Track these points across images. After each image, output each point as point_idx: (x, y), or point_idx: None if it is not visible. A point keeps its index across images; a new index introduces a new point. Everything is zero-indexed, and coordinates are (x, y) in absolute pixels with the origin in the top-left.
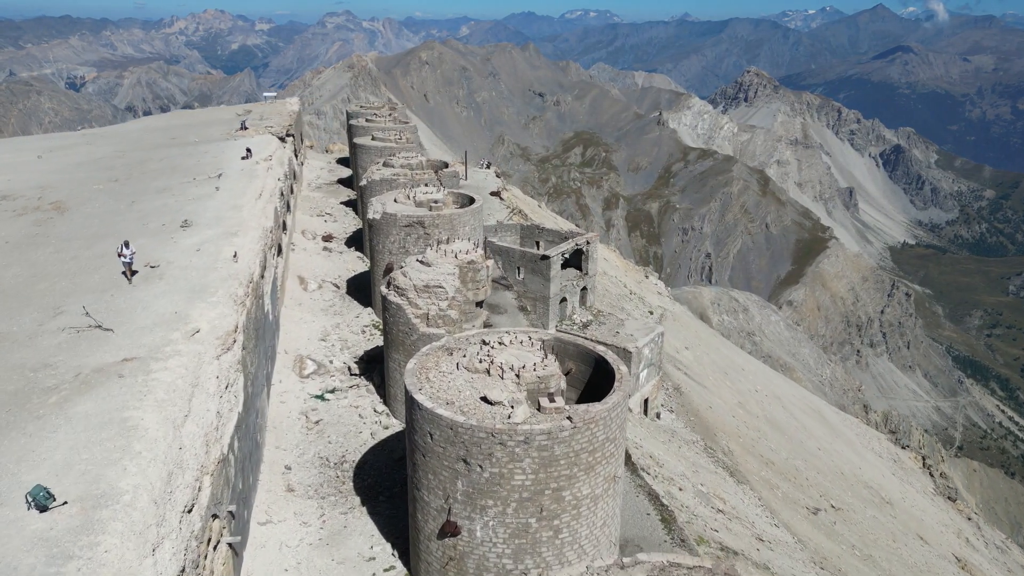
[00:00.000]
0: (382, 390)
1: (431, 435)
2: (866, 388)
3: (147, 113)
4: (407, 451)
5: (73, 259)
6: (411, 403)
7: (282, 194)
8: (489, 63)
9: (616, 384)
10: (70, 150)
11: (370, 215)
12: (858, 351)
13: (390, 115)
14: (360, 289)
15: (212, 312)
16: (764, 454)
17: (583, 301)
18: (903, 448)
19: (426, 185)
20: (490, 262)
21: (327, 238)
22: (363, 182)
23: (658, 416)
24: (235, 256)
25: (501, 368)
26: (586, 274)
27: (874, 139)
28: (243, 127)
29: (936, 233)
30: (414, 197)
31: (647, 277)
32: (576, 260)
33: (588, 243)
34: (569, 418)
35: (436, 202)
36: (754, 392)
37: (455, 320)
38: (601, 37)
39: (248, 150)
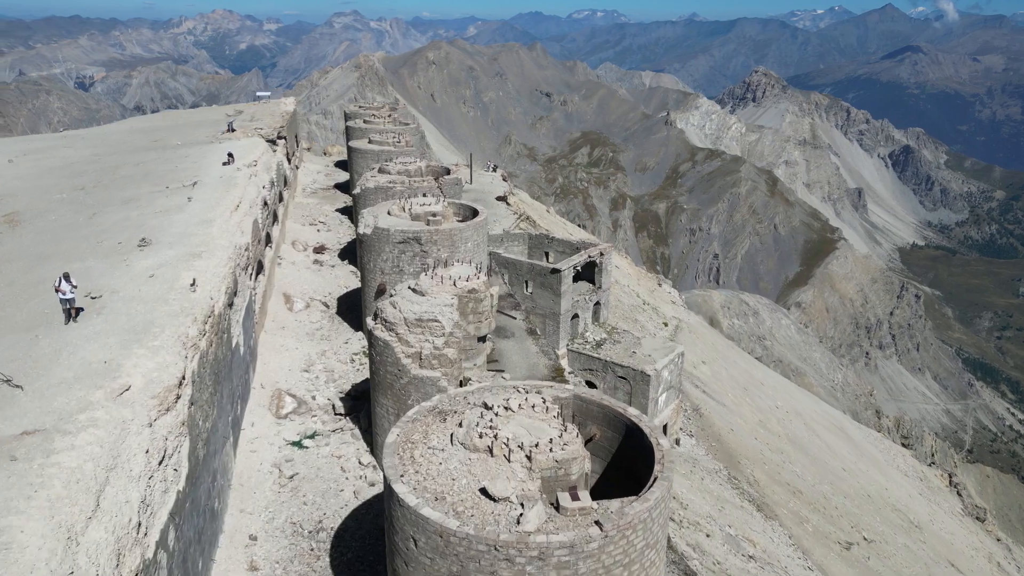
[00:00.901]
0: (369, 435)
1: (415, 541)
2: (875, 391)
3: (155, 112)
4: (386, 551)
5: (8, 285)
6: (390, 495)
7: (266, 204)
8: (496, 63)
9: (657, 468)
10: (45, 154)
11: (360, 229)
12: (867, 353)
13: (389, 116)
14: (352, 309)
15: (151, 361)
16: (791, 482)
17: (596, 317)
18: (930, 465)
19: (424, 195)
20: (495, 289)
21: (319, 250)
22: (356, 190)
23: (677, 442)
24: (193, 284)
25: (507, 446)
26: (600, 288)
27: (883, 139)
28: (230, 129)
29: (946, 234)
30: (410, 209)
31: (660, 285)
32: (589, 272)
33: (602, 255)
34: (599, 523)
35: (435, 215)
36: (775, 409)
37: (453, 360)
38: (608, 37)
39: (230, 155)
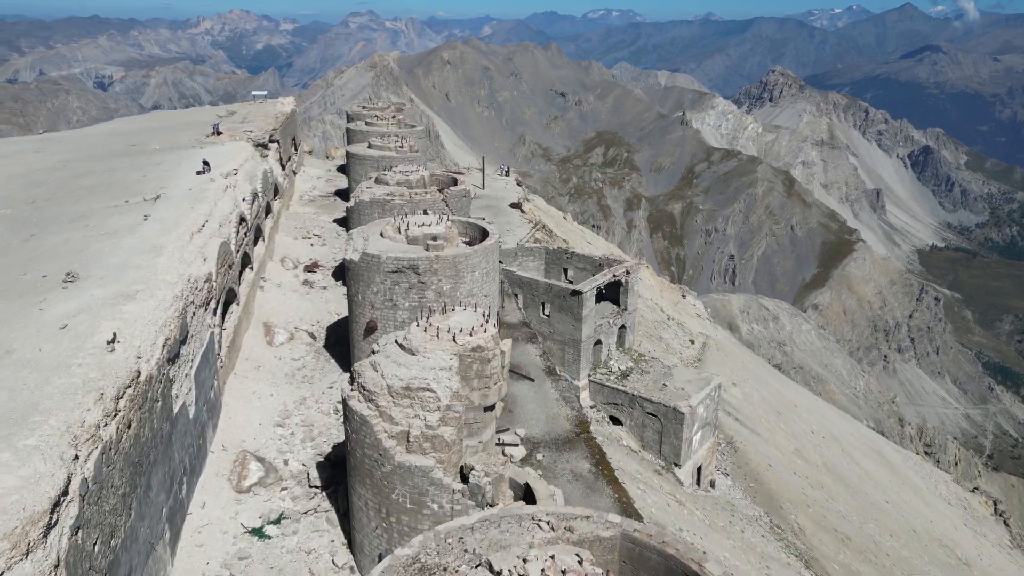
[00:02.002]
0: (348, 520)
1: None
2: (889, 392)
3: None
4: None
5: None
6: None
7: (243, 220)
8: (511, 63)
9: None
10: (12, 159)
11: (347, 254)
12: (885, 356)
13: (394, 117)
14: (342, 341)
15: (11, 475)
16: (837, 526)
17: (621, 342)
18: (974, 492)
19: (425, 212)
20: (507, 344)
21: (310, 268)
22: (350, 203)
23: (712, 485)
24: (112, 341)
25: None
26: (625, 310)
27: (902, 140)
28: (215, 132)
29: (966, 236)
30: (407, 229)
31: (684, 296)
32: (612, 292)
33: (628, 273)
34: None
35: (435, 239)
36: (810, 435)
37: (450, 443)
38: (624, 36)
39: (205, 163)
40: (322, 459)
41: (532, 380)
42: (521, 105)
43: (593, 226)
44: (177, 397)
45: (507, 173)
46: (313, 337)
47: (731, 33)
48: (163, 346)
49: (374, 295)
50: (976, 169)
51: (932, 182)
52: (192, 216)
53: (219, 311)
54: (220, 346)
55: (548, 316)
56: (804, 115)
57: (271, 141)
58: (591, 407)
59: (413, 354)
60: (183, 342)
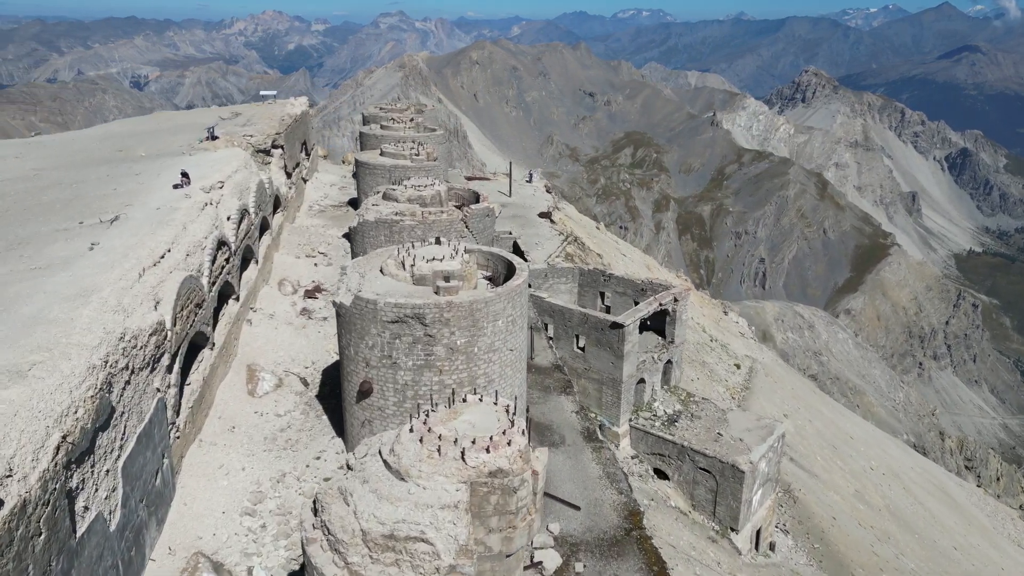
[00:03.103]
0: None
1: None
2: (929, 404)
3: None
4: None
5: None
6: None
7: (222, 246)
8: (540, 62)
9: None
10: None
11: (338, 297)
12: (920, 364)
13: (412, 120)
14: (340, 391)
15: None
16: None
17: (667, 380)
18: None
19: (437, 240)
20: (543, 457)
21: (311, 293)
22: (353, 223)
23: (772, 548)
24: None
25: None
26: (672, 343)
27: (939, 142)
28: (210, 137)
29: (1005, 241)
30: (412, 264)
31: (726, 313)
32: (657, 321)
33: (676, 301)
34: None
35: (448, 279)
36: (870, 472)
37: None
38: (654, 36)
39: (184, 175)
40: (298, 567)
41: (578, 509)
42: (549, 105)
43: (621, 227)
44: (87, 510)
45: (533, 179)
46: (305, 384)
47: (763, 33)
48: (56, 450)
49: (369, 350)
50: (1016, 172)
51: (970, 185)
52: (149, 245)
53: (178, 366)
54: (178, 410)
55: (583, 350)
56: (838, 116)
57: (274, 146)
58: (632, 457)
59: (403, 479)
60: (103, 428)
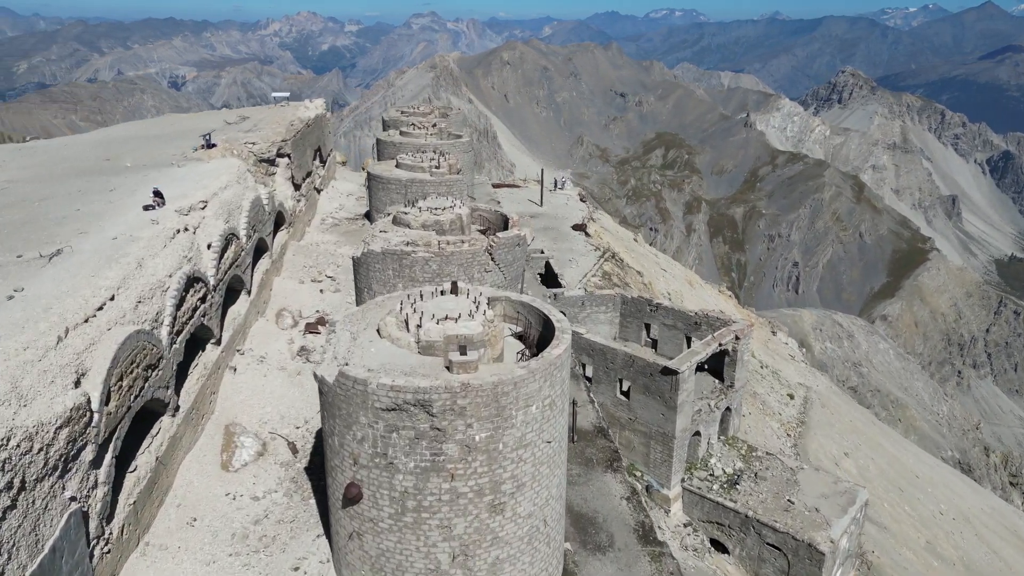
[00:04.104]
0: None
1: None
2: (972, 417)
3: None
4: None
5: None
6: None
7: (194, 283)
8: (571, 63)
9: None
10: None
11: (320, 370)
12: (959, 372)
13: (434, 126)
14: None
15: None
16: None
17: (724, 430)
18: None
19: (455, 287)
20: None
21: (314, 326)
22: (356, 252)
23: None
24: None
25: None
26: (731, 387)
27: (980, 144)
28: (207, 145)
29: None
30: (419, 324)
31: (774, 333)
32: (713, 361)
33: (737, 339)
34: None
35: (465, 349)
36: (940, 517)
37: None
38: (686, 36)
39: (157, 194)
40: None
41: (607, 440)
42: (580, 106)
43: (651, 229)
44: None
45: (564, 186)
46: (295, 451)
47: (798, 33)
48: None
49: (358, 444)
50: None
51: (1012, 189)
52: (84, 292)
53: (111, 456)
54: (110, 516)
55: (627, 395)
56: (875, 117)
57: (280, 155)
58: (685, 525)
59: None
60: None
